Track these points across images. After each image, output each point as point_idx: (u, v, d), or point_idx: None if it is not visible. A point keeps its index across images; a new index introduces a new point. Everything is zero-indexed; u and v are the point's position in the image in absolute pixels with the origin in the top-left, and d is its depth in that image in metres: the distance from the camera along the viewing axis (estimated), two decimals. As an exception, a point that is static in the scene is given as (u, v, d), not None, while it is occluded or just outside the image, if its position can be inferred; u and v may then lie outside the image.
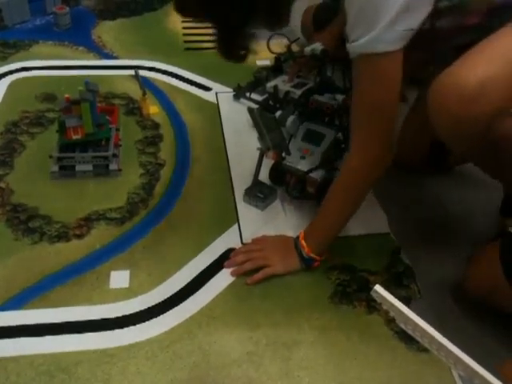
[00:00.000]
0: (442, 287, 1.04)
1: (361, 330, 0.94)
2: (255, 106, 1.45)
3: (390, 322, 0.95)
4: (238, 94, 1.55)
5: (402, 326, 0.64)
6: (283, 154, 1.15)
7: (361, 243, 1.12)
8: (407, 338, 0.92)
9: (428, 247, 1.14)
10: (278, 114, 1.15)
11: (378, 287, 0.64)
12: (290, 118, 1.15)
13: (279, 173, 1.19)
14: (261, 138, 1.13)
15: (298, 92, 1.38)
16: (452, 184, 1.28)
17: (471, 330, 0.96)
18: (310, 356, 0.90)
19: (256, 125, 1.11)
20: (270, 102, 1.44)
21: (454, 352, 0.58)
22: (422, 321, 0.61)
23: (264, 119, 1.08)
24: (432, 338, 0.60)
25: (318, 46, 1.40)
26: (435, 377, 0.88)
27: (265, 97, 1.48)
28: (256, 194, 1.19)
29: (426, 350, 0.90)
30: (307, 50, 1.41)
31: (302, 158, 1.15)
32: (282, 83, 1.43)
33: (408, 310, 0.62)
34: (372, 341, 0.93)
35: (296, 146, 1.17)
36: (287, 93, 1.39)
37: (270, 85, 1.43)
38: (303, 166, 1.13)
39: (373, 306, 0.98)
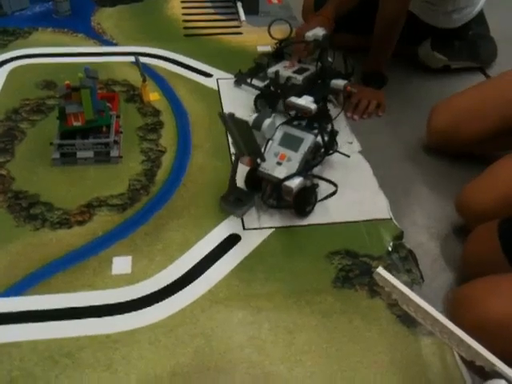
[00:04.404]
0: (445, 272, 1.04)
1: (363, 314, 0.94)
2: (256, 93, 1.45)
3: (392, 305, 0.95)
4: (239, 80, 1.54)
5: (405, 307, 0.64)
6: (258, 160, 1.08)
7: (363, 229, 1.11)
8: (409, 322, 0.92)
9: (430, 232, 1.14)
10: (253, 116, 1.06)
11: (380, 269, 0.64)
12: (266, 122, 1.05)
13: (255, 179, 1.12)
14: (234, 143, 1.06)
15: (300, 77, 1.37)
16: (455, 168, 1.28)
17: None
18: (313, 340, 0.90)
19: (229, 130, 1.04)
20: (272, 88, 1.43)
21: (456, 333, 0.59)
22: (425, 302, 0.61)
23: (236, 124, 1.00)
24: (434, 319, 0.60)
25: (319, 31, 1.40)
26: (437, 360, 0.88)
27: (266, 83, 1.47)
28: (233, 201, 1.13)
29: (427, 334, 0.90)
30: (309, 35, 1.40)
31: (279, 164, 1.08)
32: (283, 69, 1.43)
33: (410, 291, 0.62)
34: (374, 324, 0.93)
35: (273, 151, 1.10)
36: (288, 78, 1.38)
37: (271, 70, 1.43)
38: (279, 172, 1.07)
39: (375, 290, 0.98)
